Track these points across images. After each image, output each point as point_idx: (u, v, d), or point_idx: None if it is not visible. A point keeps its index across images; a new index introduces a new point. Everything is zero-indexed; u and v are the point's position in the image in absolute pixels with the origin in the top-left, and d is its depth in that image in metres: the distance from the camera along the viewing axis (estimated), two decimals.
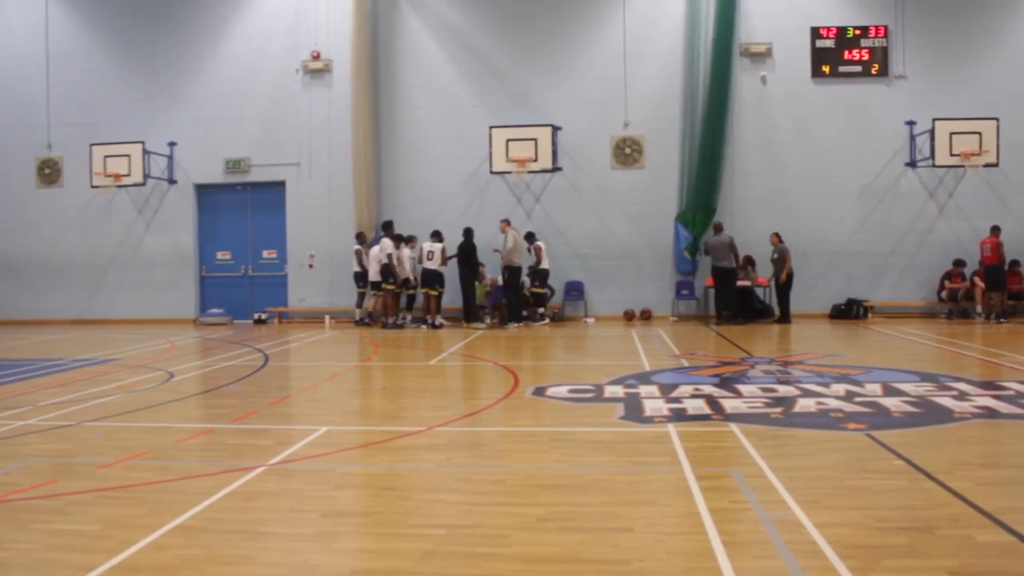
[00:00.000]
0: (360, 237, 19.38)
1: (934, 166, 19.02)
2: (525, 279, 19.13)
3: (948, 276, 19.45)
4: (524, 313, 18.96)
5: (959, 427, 7.39)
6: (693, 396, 8.95)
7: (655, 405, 8.50)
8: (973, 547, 4.40)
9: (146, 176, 20.19)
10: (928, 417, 7.74)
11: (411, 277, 18.85)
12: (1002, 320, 18.12)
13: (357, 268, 19.20)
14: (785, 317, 18.47)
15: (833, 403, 8.43)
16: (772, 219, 19.47)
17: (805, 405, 8.37)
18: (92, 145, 20.25)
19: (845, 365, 11.37)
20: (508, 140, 18.94)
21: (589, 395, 9.27)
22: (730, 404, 8.43)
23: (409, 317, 19.07)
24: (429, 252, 18.46)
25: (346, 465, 6.42)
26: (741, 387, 9.54)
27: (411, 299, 19.22)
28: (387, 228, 18.95)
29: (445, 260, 18.55)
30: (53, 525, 4.99)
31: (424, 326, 18.44)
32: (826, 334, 16.39)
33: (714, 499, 5.23)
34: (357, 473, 6.28)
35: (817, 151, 19.91)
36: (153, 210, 21.31)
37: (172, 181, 21.04)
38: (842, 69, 19.96)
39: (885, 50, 19.86)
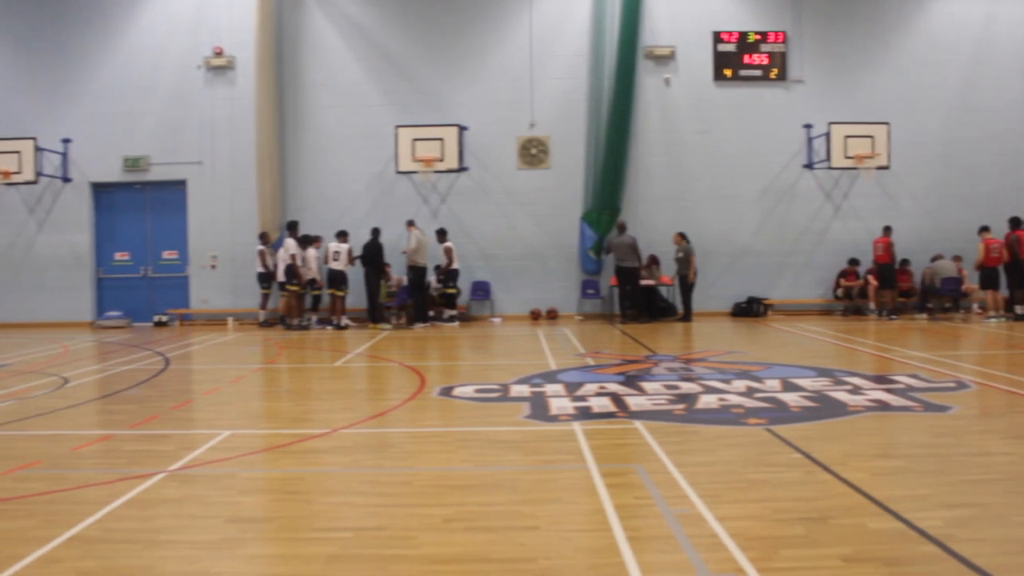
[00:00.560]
0: (264, 237, 19.06)
1: (830, 168, 19.62)
2: (431, 279, 19.07)
3: (843, 274, 20.09)
4: (431, 313, 18.91)
5: (853, 420, 7.64)
6: (598, 394, 9.04)
7: (561, 404, 8.56)
8: (865, 534, 4.56)
9: (38, 174, 19.40)
10: (824, 411, 7.97)
11: (317, 278, 18.62)
12: (893, 317, 18.79)
13: (261, 269, 18.88)
14: (687, 315, 18.80)
15: (734, 399, 8.62)
16: (675, 219, 19.82)
17: (707, 401, 8.54)
18: None
19: (746, 362, 11.63)
20: (414, 140, 18.84)
21: (495, 395, 9.28)
22: (634, 402, 8.54)
23: (314, 318, 18.85)
24: (335, 252, 18.26)
25: (250, 469, 6.31)
26: (645, 385, 9.68)
27: (316, 300, 19.00)
28: (292, 228, 18.69)
29: (352, 260, 18.37)
30: None
31: (329, 327, 18.24)
32: (728, 332, 16.75)
33: (619, 495, 5.30)
34: (261, 477, 6.17)
35: (719, 153, 20.34)
36: (46, 210, 20.54)
37: (67, 179, 20.30)
38: (743, 73, 20.44)
39: (784, 55, 20.41)
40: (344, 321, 18.28)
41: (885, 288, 19.15)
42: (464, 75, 20.29)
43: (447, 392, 9.53)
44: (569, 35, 20.25)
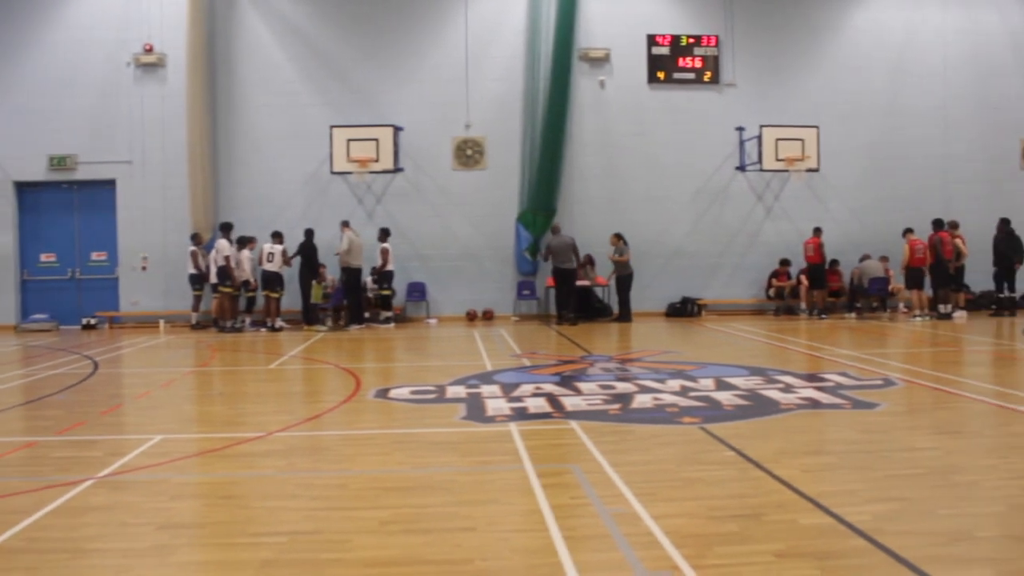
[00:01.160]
0: (196, 238, 18.74)
1: (761, 170, 19.98)
2: (368, 280, 18.95)
3: (775, 275, 20.44)
4: (367, 315, 18.79)
5: (785, 418, 7.77)
6: (534, 395, 9.07)
7: (497, 404, 8.56)
8: (797, 530, 4.63)
9: None
10: (757, 409, 8.10)
11: (251, 279, 18.38)
12: (823, 316, 19.17)
13: (192, 270, 18.56)
14: (626, 316, 18.93)
15: (669, 398, 8.71)
16: (610, 220, 19.95)
17: (642, 401, 8.62)
18: None
19: (680, 361, 11.76)
20: (349, 140, 18.69)
21: (431, 396, 9.25)
22: (570, 402, 8.58)
23: (248, 320, 18.59)
24: (269, 254, 18.03)
25: (182, 475, 6.20)
26: (581, 385, 9.73)
27: (250, 302, 18.74)
28: (225, 230, 18.41)
29: (287, 261, 18.16)
30: None
31: (263, 329, 18.01)
32: (662, 332, 16.92)
33: (555, 496, 5.32)
34: (194, 482, 6.07)
35: (653, 154, 20.55)
36: None
37: None
38: (676, 76, 20.68)
39: (716, 59, 20.69)
40: (278, 323, 18.07)
41: (815, 288, 19.54)
42: (399, 75, 20.19)
43: (383, 394, 9.47)
44: (505, 36, 20.28)
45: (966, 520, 4.78)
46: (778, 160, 19.46)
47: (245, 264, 18.29)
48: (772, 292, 20.43)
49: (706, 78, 20.73)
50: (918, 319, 18.11)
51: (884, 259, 19.83)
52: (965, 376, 10.49)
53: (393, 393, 9.51)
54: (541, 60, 19.96)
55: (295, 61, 20.09)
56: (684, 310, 20.19)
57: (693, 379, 10.01)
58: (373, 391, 9.67)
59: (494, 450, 6.69)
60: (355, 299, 18.41)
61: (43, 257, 20.14)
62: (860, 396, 8.70)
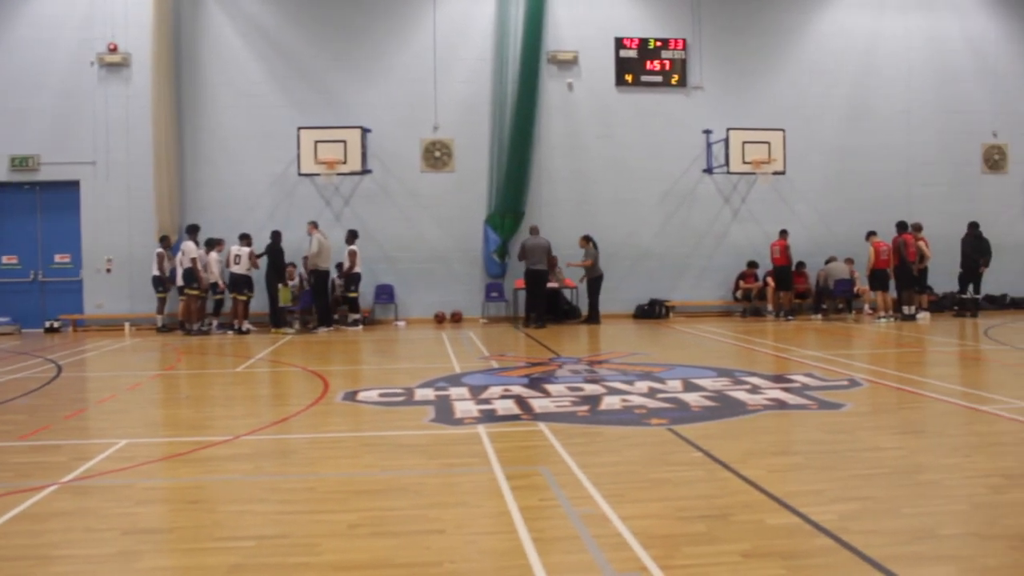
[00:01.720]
0: (164, 240, 18.55)
1: (728, 173, 20.12)
2: (338, 281, 18.87)
3: (742, 276, 20.59)
4: (335, 317, 18.71)
5: (752, 419, 7.83)
6: (503, 397, 9.07)
7: (465, 407, 8.55)
8: (764, 530, 4.67)
9: None
10: (724, 410, 8.15)
11: (219, 282, 18.22)
12: (790, 317, 19.33)
13: (156, 272, 18.37)
14: (594, 317, 18.96)
15: (637, 400, 8.74)
16: (578, 222, 19.98)
17: (610, 403, 8.64)
18: None
19: (648, 363, 11.81)
20: (317, 141, 18.58)
21: (400, 398, 9.23)
22: (539, 404, 8.59)
23: (215, 323, 18.41)
24: (236, 256, 17.90)
25: (148, 479, 6.13)
26: (549, 387, 9.75)
27: (218, 304, 18.57)
28: (192, 232, 18.24)
29: (255, 262, 18.02)
30: None
31: (230, 332, 17.87)
32: (630, 333, 16.98)
33: (524, 498, 5.32)
34: (160, 487, 6.00)
35: (621, 157, 20.63)
36: None
37: None
38: (644, 79, 20.77)
39: (684, 62, 20.81)
40: (245, 326, 17.93)
41: (782, 290, 19.70)
42: (367, 77, 20.12)
43: (351, 397, 9.43)
44: (473, 38, 20.27)
45: (930, 518, 4.84)
46: (745, 163, 19.60)
47: (213, 266, 18.13)
48: (739, 294, 20.57)
49: (673, 81, 20.84)
50: (883, 320, 18.31)
51: (849, 261, 20.04)
52: (928, 376, 10.63)
53: (361, 396, 9.47)
54: (509, 62, 19.97)
55: (262, 62, 19.96)
56: (652, 312, 20.27)
57: (661, 381, 10.06)
58: (341, 394, 9.63)
59: (463, 452, 6.68)
60: (323, 302, 18.31)
61: (4, 259, 19.85)
62: (826, 397, 8.78)
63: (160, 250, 18.41)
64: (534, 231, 18.74)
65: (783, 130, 19.84)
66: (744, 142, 19.60)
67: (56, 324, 19.27)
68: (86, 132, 19.46)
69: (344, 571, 4.22)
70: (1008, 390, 9.18)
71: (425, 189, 20.19)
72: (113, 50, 19.46)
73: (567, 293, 20.00)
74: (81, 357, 14.28)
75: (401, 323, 19.74)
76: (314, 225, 18.29)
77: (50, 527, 4.98)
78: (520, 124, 19.78)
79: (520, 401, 8.77)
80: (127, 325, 19.11)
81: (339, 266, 18.77)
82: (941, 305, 20.47)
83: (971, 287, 19.47)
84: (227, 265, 18.14)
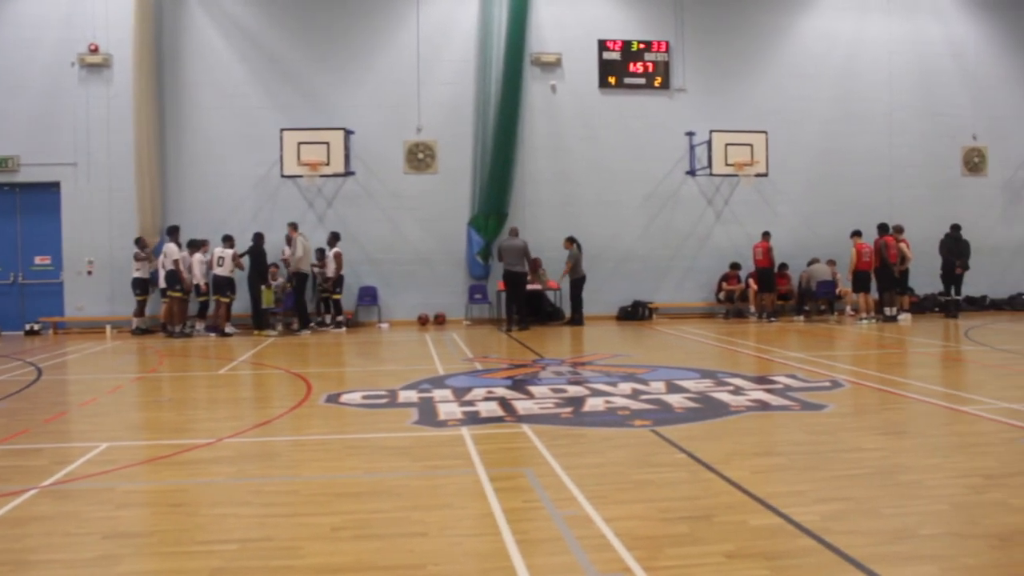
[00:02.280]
0: (140, 242, 18.43)
1: (711, 175, 20.19)
2: (325, 284, 18.79)
3: (725, 278, 20.64)
4: (319, 319, 18.65)
5: (735, 420, 7.86)
6: (486, 399, 9.07)
7: (449, 409, 8.55)
8: (747, 531, 4.69)
9: None
10: (707, 412, 8.17)
11: (202, 283, 18.13)
12: (772, 319, 19.41)
13: (136, 274, 18.24)
14: (577, 319, 18.97)
15: (620, 401, 8.76)
16: (562, 224, 19.99)
17: (594, 404, 8.65)
18: None
19: (631, 365, 11.84)
20: (300, 143, 18.54)
21: (383, 401, 9.21)
22: (522, 406, 8.59)
23: (200, 325, 18.29)
24: (219, 258, 17.82)
25: (129, 482, 6.09)
26: (533, 389, 9.75)
27: (203, 306, 18.42)
28: (173, 233, 18.14)
29: (238, 263, 17.93)
30: None
31: (213, 334, 17.79)
32: (614, 335, 17.01)
33: (507, 499, 5.32)
34: (141, 490, 5.97)
35: (604, 159, 20.66)
36: None
37: None
38: (627, 81, 20.81)
39: (667, 64, 20.86)
40: (228, 328, 17.85)
41: (764, 291, 19.78)
42: (350, 78, 20.07)
43: (334, 399, 9.40)
44: (456, 40, 20.26)
45: (910, 519, 4.87)
46: (728, 165, 19.68)
47: (196, 268, 18.04)
48: (722, 295, 20.63)
49: (657, 83, 20.89)
50: (864, 322, 18.40)
51: (831, 263, 20.12)
52: (910, 377, 10.69)
53: (344, 398, 9.44)
54: (493, 64, 19.97)
55: (244, 63, 19.87)
56: (635, 313, 20.31)
57: (644, 382, 10.08)
58: (324, 396, 9.60)
59: (446, 454, 6.67)
60: (305, 304, 18.25)
61: None
62: (808, 398, 8.83)
63: (137, 251, 18.28)
64: (513, 232, 18.63)
65: (766, 132, 19.94)
66: (727, 144, 19.67)
67: (36, 327, 19.12)
68: (67, 133, 19.31)
69: (327, 574, 4.21)
70: (988, 391, 9.25)
71: (408, 191, 20.16)
72: (94, 51, 19.33)
73: (551, 295, 20.01)
74: (62, 360, 14.19)
75: (384, 325, 19.70)
76: (294, 227, 18.24)
77: (30, 531, 4.95)
78: (503, 126, 19.78)
79: (504, 403, 8.77)
80: (108, 328, 18.97)
81: (313, 266, 18.68)
82: (922, 306, 20.63)
83: (952, 289, 19.65)
84: (210, 267, 18.05)
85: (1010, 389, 9.40)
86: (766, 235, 19.89)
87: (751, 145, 19.72)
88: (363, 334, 18.09)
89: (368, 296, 19.96)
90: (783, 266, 20.47)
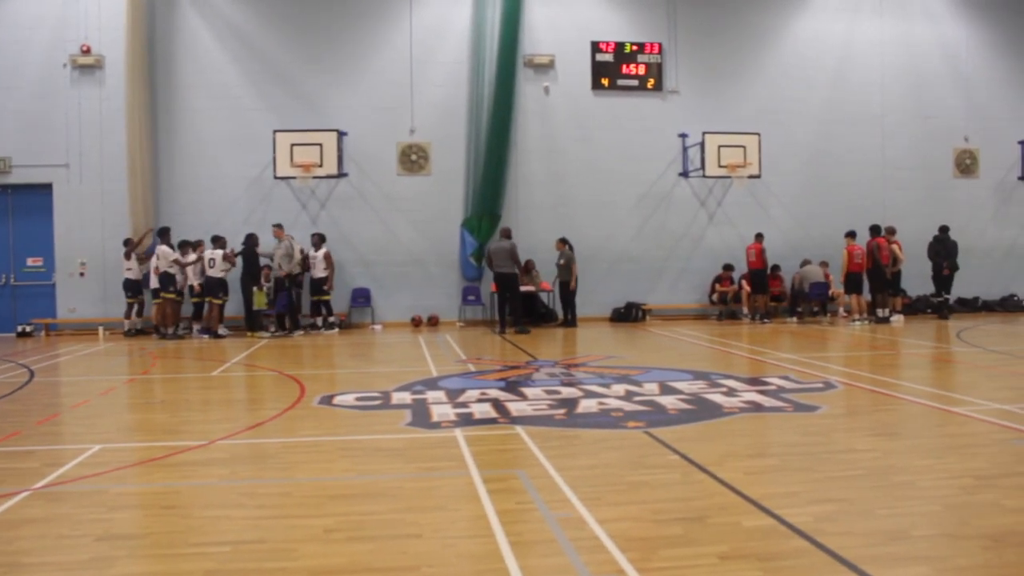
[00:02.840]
0: (128, 243, 18.38)
1: (704, 176, 20.23)
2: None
3: (718, 280, 20.68)
4: (312, 321, 18.64)
5: (728, 421, 7.86)
6: (480, 400, 9.06)
7: (442, 410, 8.54)
8: (740, 532, 4.69)
9: None
10: (701, 413, 8.18)
11: (195, 284, 18.09)
12: (765, 320, 19.44)
13: (130, 276, 18.20)
14: (570, 321, 18.98)
15: (614, 403, 8.76)
16: (555, 226, 20.01)
17: (587, 406, 8.65)
18: None
19: (625, 366, 11.84)
20: (293, 145, 18.52)
21: (376, 402, 9.20)
22: (516, 407, 8.59)
23: (195, 327, 18.24)
24: (210, 259, 17.79)
25: (122, 484, 6.08)
26: (526, 390, 9.75)
27: (198, 308, 18.35)
28: (163, 235, 18.10)
29: (232, 260, 17.85)
30: None
31: (206, 336, 17.75)
32: (607, 337, 17.02)
33: (501, 501, 5.32)
34: (134, 492, 5.95)
35: (597, 160, 20.68)
36: None
37: None
38: (620, 83, 20.84)
39: (660, 66, 20.89)
40: (221, 330, 17.82)
41: (757, 293, 19.82)
42: (344, 80, 20.06)
43: (327, 401, 9.39)
44: (450, 42, 20.26)
45: (903, 520, 4.88)
46: (720, 167, 19.71)
47: (189, 269, 17.99)
48: (715, 297, 20.67)
49: (650, 85, 20.92)
50: (857, 323, 18.45)
51: (824, 264, 20.17)
52: (902, 378, 10.72)
53: (338, 399, 9.43)
54: (486, 66, 19.98)
55: (237, 64, 19.84)
56: (629, 315, 20.32)
57: (638, 384, 10.09)
58: (317, 398, 9.58)
59: (440, 456, 6.67)
60: (297, 306, 18.23)
61: None
62: (801, 399, 8.84)
63: (127, 251, 18.23)
64: (504, 234, 18.43)
65: (758, 134, 19.97)
66: (720, 146, 19.71)
67: (28, 328, 19.07)
68: (59, 134, 19.26)
69: None
70: (979, 392, 9.28)
71: (401, 192, 20.15)
72: (86, 52, 19.28)
73: (544, 296, 20.01)
74: (54, 362, 14.15)
75: (377, 327, 19.68)
76: (280, 228, 18.23)
77: (22, 534, 4.93)
78: (497, 127, 19.80)
79: (497, 404, 8.76)
80: (101, 329, 18.90)
81: (312, 277, 18.67)
82: (914, 308, 20.68)
83: (943, 290, 19.77)
84: (202, 271, 17.99)
85: (1002, 390, 9.43)
86: (759, 236, 19.93)
87: (744, 147, 19.76)
88: (356, 336, 18.07)
89: (361, 298, 19.94)
90: (776, 268, 20.51)
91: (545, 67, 20.62)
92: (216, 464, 6.58)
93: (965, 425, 7.60)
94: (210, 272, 17.77)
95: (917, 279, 20.46)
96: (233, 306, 18.47)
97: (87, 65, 19.31)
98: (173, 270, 17.70)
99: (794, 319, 19.80)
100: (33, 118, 19.21)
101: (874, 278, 18.89)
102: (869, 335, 16.34)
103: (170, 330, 17.71)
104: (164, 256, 17.65)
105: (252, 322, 18.01)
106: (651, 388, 9.72)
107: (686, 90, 21.08)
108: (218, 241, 18.06)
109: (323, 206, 19.97)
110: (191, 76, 19.72)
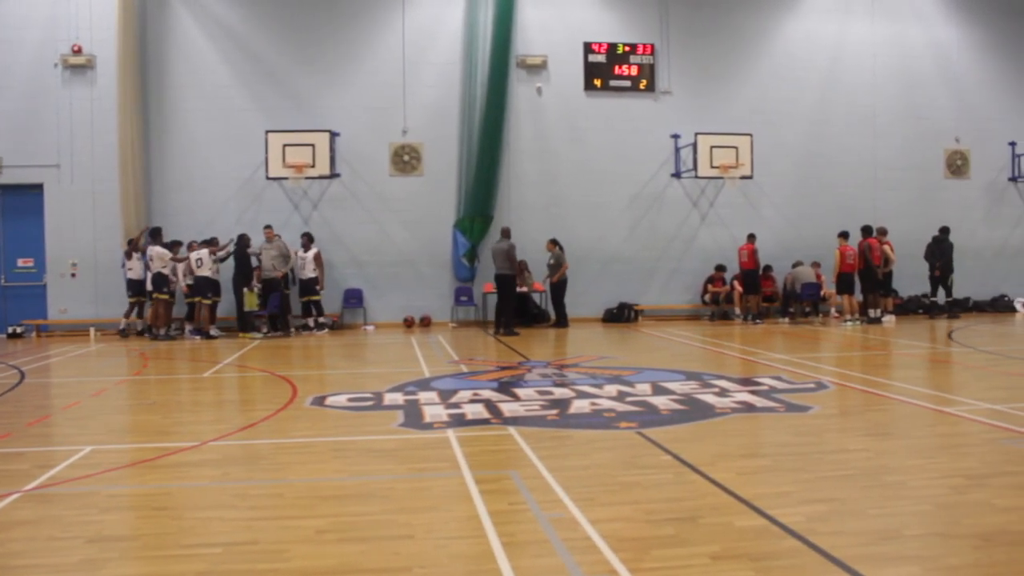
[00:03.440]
0: (132, 243, 18.35)
1: (696, 177, 20.25)
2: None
3: (711, 280, 20.70)
4: (304, 322, 18.62)
5: (720, 422, 7.87)
6: (472, 401, 9.06)
7: (435, 411, 8.54)
8: (732, 532, 4.70)
9: None
10: (693, 413, 8.19)
11: (183, 285, 18.05)
12: (757, 321, 19.47)
13: (132, 276, 18.15)
14: (562, 321, 18.98)
15: (606, 403, 8.76)
16: (547, 226, 20.02)
17: (580, 406, 8.66)
18: None
19: (617, 367, 11.85)
20: (285, 145, 18.50)
21: (369, 403, 9.19)
22: (508, 408, 8.59)
23: (190, 328, 18.19)
24: (198, 259, 17.73)
25: (113, 486, 6.06)
26: (519, 391, 9.75)
27: (191, 308, 18.30)
28: (155, 235, 18.05)
29: (217, 254, 17.78)
30: None
31: (198, 337, 17.72)
32: (599, 337, 17.03)
33: (493, 502, 5.32)
34: (126, 494, 5.94)
35: (590, 161, 20.69)
36: None
37: None
38: (613, 83, 20.85)
39: (652, 67, 20.91)
40: (213, 330, 17.79)
41: (749, 293, 19.85)
42: (336, 81, 20.03)
43: (319, 401, 9.38)
44: (442, 42, 20.25)
45: (895, 519, 4.89)
46: (713, 167, 19.73)
47: (179, 269, 17.96)
48: (708, 297, 20.69)
49: (642, 86, 20.94)
50: (849, 323, 18.49)
51: (816, 265, 20.22)
52: (894, 379, 10.75)
53: (330, 400, 9.42)
54: (478, 66, 19.98)
55: (229, 65, 19.80)
56: (621, 315, 20.34)
57: (630, 384, 10.10)
58: (310, 399, 9.57)
59: (432, 457, 6.66)
60: (288, 306, 18.22)
61: None
62: (793, 399, 8.86)
63: (130, 252, 18.19)
64: (503, 233, 18.38)
65: (750, 135, 20.00)
66: (712, 146, 19.72)
67: (19, 329, 18.99)
68: (50, 134, 19.18)
69: None
70: (970, 392, 9.31)
71: (394, 193, 20.14)
72: (77, 52, 19.21)
73: (536, 297, 20.01)
74: (45, 363, 14.11)
75: (370, 327, 19.66)
76: (271, 229, 18.22)
77: (12, 536, 4.91)
78: (489, 128, 19.79)
79: (489, 405, 8.76)
80: (92, 330, 18.83)
81: (305, 278, 18.65)
82: (906, 308, 20.75)
83: (939, 292, 19.97)
84: (190, 270, 17.95)
85: (992, 390, 9.46)
86: (751, 237, 19.97)
87: (736, 147, 19.78)
88: (348, 336, 18.05)
89: (353, 298, 19.92)
90: (768, 268, 20.55)
91: (537, 68, 20.62)
92: (208, 465, 6.57)
93: (956, 425, 7.63)
94: (199, 272, 17.72)
95: (908, 280, 20.53)
96: (225, 307, 18.44)
97: (78, 65, 19.25)
98: (167, 271, 17.66)
99: (786, 319, 19.84)
100: (24, 118, 19.14)
101: (866, 279, 18.96)
102: (861, 335, 16.38)
103: (162, 331, 17.67)
104: (159, 257, 17.61)
105: (244, 323, 17.96)
106: (643, 389, 9.73)
107: (678, 91, 21.11)
108: (205, 242, 18.03)
109: (315, 207, 19.94)
110: (183, 76, 19.67)
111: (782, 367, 11.57)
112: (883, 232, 19.50)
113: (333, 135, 19.17)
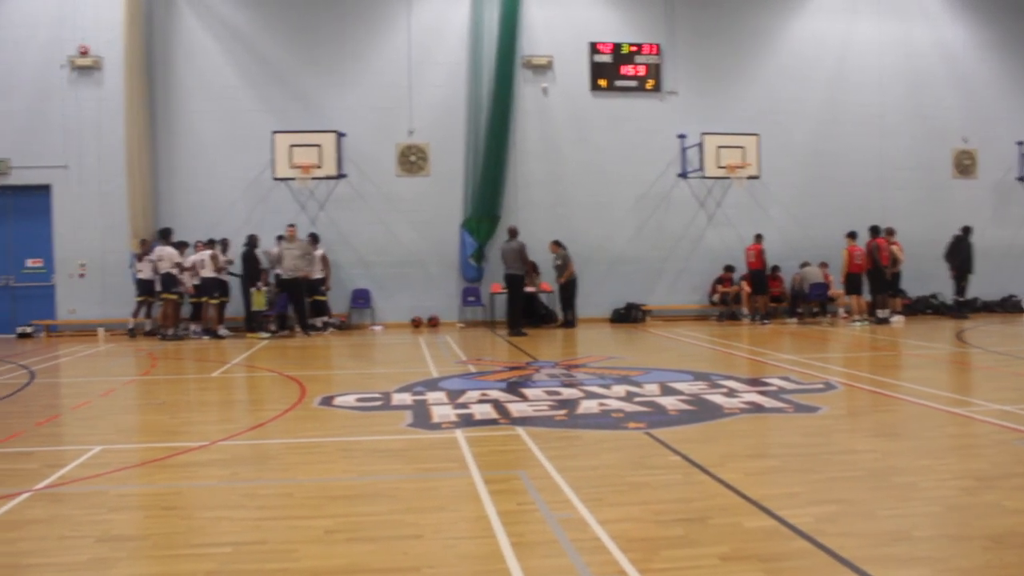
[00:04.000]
0: (143, 243, 18.38)
1: (703, 177, 20.22)
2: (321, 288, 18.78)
3: (719, 280, 20.68)
4: (311, 322, 18.63)
5: (729, 422, 7.86)
6: (480, 401, 9.06)
7: (443, 411, 8.54)
8: (741, 533, 4.69)
9: None
10: (701, 414, 8.18)
11: (188, 285, 18.06)
12: (765, 321, 19.44)
13: (144, 276, 18.17)
14: (570, 321, 18.98)
15: (614, 404, 8.75)
16: (554, 226, 19.99)
17: (588, 407, 8.65)
18: None
19: (625, 367, 11.84)
20: (292, 146, 18.52)
21: (377, 403, 9.20)
22: (516, 408, 8.59)
23: (193, 327, 18.20)
24: (200, 262, 17.75)
25: (123, 485, 6.07)
26: (527, 391, 9.74)
27: (197, 308, 18.32)
28: (165, 236, 18.09)
29: (217, 262, 17.76)
30: None
31: (206, 337, 17.75)
32: (607, 338, 17.02)
33: (502, 502, 5.32)
34: (135, 493, 5.95)
35: (596, 161, 20.67)
36: None
37: None
38: (618, 83, 20.83)
39: (658, 67, 20.89)
40: (221, 330, 17.82)
41: (757, 294, 19.81)
42: (342, 81, 20.06)
43: (328, 402, 9.39)
44: (448, 43, 20.26)
45: (904, 520, 4.88)
46: (719, 167, 19.71)
47: (185, 272, 18.00)
48: (716, 298, 20.67)
49: (648, 86, 20.91)
50: (857, 324, 18.45)
51: (824, 265, 20.17)
52: (902, 379, 10.71)
53: (338, 400, 9.43)
54: (484, 67, 19.99)
55: (236, 66, 19.83)
56: (629, 316, 20.32)
57: (638, 384, 10.08)
58: (318, 399, 9.58)
59: (440, 457, 6.67)
60: (303, 306, 18.25)
61: None
62: (802, 400, 8.84)
63: (142, 253, 18.23)
64: (511, 233, 18.35)
65: (757, 135, 19.97)
66: (719, 147, 19.71)
67: (28, 330, 19.06)
68: (57, 135, 19.24)
69: None
70: (980, 393, 9.29)
71: (400, 193, 20.15)
72: (84, 53, 19.27)
73: (544, 297, 20.00)
74: (54, 363, 14.14)
75: (378, 327, 19.67)
76: (295, 228, 18.25)
77: (23, 535, 4.93)
78: (495, 128, 19.80)
79: (498, 405, 8.76)
80: (101, 330, 18.87)
81: (313, 279, 18.64)
82: (914, 308, 20.69)
83: (958, 292, 20.11)
84: (194, 270, 17.97)
85: (1002, 391, 9.44)
86: (758, 237, 19.93)
87: (743, 147, 19.76)
88: (356, 337, 18.06)
89: (361, 299, 19.94)
90: (775, 268, 20.51)
91: (543, 68, 20.62)
92: (217, 465, 6.58)
93: (966, 426, 7.61)
94: (202, 273, 17.75)
95: (917, 280, 20.49)
96: (233, 307, 18.47)
97: (85, 66, 19.30)
98: (175, 271, 17.70)
99: (794, 320, 19.80)
100: (31, 119, 19.20)
101: (874, 279, 18.90)
102: (869, 336, 16.35)
103: (170, 331, 17.70)
104: (168, 257, 17.64)
105: (252, 323, 17.98)
106: (651, 389, 9.72)
107: (684, 91, 21.08)
108: (209, 243, 18.07)
109: (322, 207, 19.96)
110: (189, 77, 19.72)
111: (790, 367, 11.54)
112: (891, 232, 19.45)
113: (340, 136, 19.19)
